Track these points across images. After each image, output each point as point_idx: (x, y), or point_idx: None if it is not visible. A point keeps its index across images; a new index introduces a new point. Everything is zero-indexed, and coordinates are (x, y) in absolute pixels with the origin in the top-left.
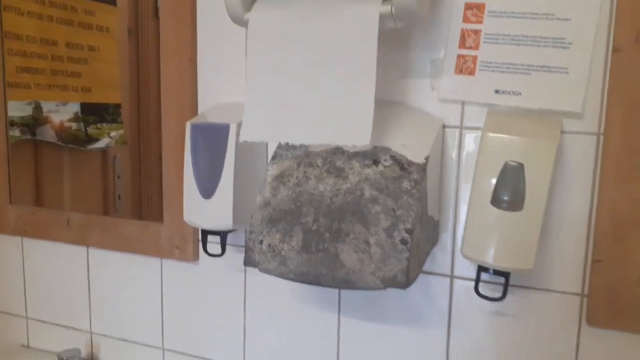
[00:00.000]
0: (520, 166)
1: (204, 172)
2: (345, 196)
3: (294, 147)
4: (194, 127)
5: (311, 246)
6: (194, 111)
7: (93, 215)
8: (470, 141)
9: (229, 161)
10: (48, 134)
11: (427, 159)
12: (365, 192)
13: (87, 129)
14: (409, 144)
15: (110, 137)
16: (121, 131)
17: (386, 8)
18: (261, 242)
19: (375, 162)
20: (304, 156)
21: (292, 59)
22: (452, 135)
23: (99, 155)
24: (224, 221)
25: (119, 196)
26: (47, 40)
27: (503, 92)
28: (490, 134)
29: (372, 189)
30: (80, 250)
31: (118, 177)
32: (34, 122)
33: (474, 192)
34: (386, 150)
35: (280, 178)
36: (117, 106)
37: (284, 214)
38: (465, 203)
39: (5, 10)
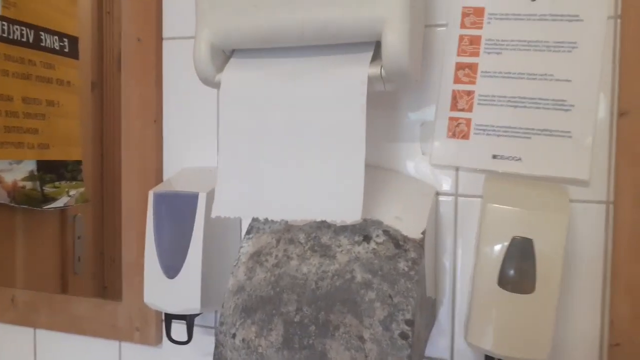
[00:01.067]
0: (529, 242)
1: (168, 248)
2: (333, 280)
3: (272, 220)
4: (158, 197)
5: (294, 342)
6: (158, 177)
7: (41, 293)
8: (467, 210)
9: (197, 235)
10: None
11: (424, 233)
12: (356, 274)
13: (44, 187)
14: (403, 217)
15: (69, 195)
16: (82, 189)
17: (375, 70)
18: (234, 335)
19: (367, 238)
20: (284, 231)
21: (271, 125)
22: (446, 204)
23: (56, 215)
24: (191, 304)
25: (79, 258)
26: (1, 95)
27: (501, 157)
28: (493, 205)
29: (364, 271)
30: (27, 332)
31: (78, 238)
32: None
33: (478, 272)
34: (378, 224)
35: (256, 257)
36: (78, 163)
37: (261, 301)
38: (463, 276)
39: None
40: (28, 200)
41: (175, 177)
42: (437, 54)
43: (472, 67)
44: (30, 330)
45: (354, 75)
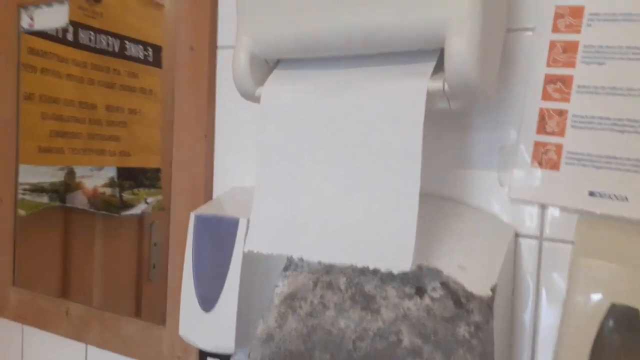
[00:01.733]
0: (634, 313)
1: (205, 277)
2: (374, 341)
3: None
4: (199, 220)
5: None
6: (207, 196)
7: (93, 309)
8: (554, 257)
9: (235, 265)
10: (79, 200)
11: (493, 290)
12: (403, 337)
13: (123, 194)
14: (469, 266)
15: (146, 203)
16: (159, 197)
17: (436, 84)
18: None
19: (420, 292)
20: (323, 272)
21: (313, 148)
22: (528, 248)
23: (134, 222)
24: (225, 342)
25: (154, 265)
26: (86, 103)
27: (601, 195)
28: (586, 260)
29: (413, 334)
30: (79, 347)
31: (154, 245)
32: (65, 188)
33: (563, 347)
34: (436, 273)
35: (290, 301)
36: (157, 171)
37: (290, 357)
38: (545, 342)
39: (43, 74)
40: (107, 207)
41: (223, 198)
42: (522, 63)
43: (566, 81)
44: (82, 345)
45: (410, 89)
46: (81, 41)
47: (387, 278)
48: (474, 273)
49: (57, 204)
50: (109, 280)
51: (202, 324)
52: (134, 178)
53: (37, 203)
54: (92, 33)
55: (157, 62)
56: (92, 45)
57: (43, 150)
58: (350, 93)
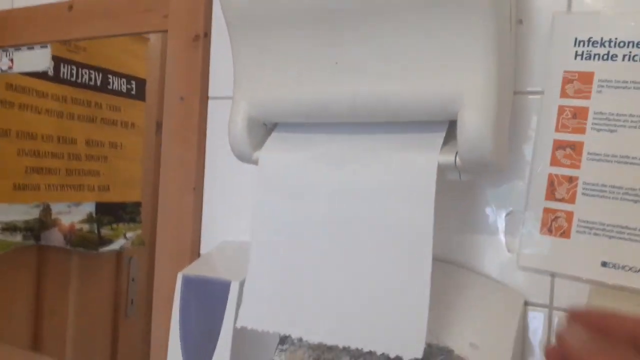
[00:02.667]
0: None
1: (194, 343)
2: None
3: None
4: (187, 280)
5: None
6: (194, 251)
7: None
8: None
9: (226, 332)
10: (55, 237)
11: None
12: None
13: (101, 230)
14: (481, 344)
15: (126, 238)
16: (139, 231)
17: (447, 158)
18: None
19: None
20: (324, 349)
21: (314, 220)
22: (537, 318)
23: (112, 257)
24: None
25: (132, 300)
26: (65, 138)
27: (614, 265)
28: None
29: None
30: None
31: (132, 280)
32: (40, 225)
33: None
34: (446, 353)
35: None
36: (137, 204)
37: None
38: None
39: (21, 109)
40: (84, 243)
41: (212, 255)
42: (529, 127)
43: (576, 147)
44: None
45: (419, 164)
46: (62, 76)
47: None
48: (486, 352)
49: (31, 242)
50: (85, 318)
51: None
52: (113, 213)
53: (9, 242)
54: (74, 67)
55: (140, 95)
56: (73, 79)
57: (18, 187)
58: (355, 164)
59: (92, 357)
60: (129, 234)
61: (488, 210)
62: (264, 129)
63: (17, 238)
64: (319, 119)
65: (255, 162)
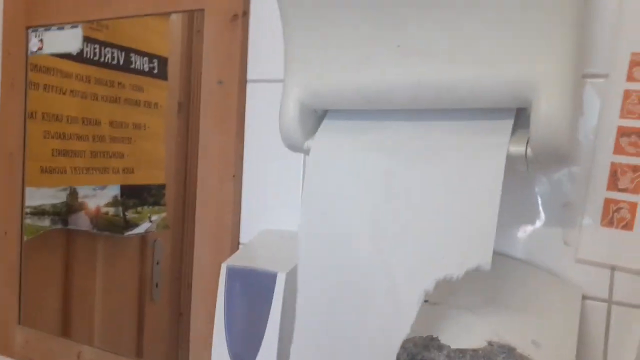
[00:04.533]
0: None
1: (239, 334)
2: None
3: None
4: (232, 271)
5: None
6: (234, 240)
7: (107, 353)
8: (623, 323)
9: (274, 323)
10: (82, 221)
11: None
12: None
13: (126, 213)
14: (543, 341)
15: (150, 221)
16: (163, 214)
17: (518, 149)
18: None
19: None
20: (421, 347)
21: (368, 210)
22: (595, 311)
23: (136, 241)
24: None
25: (157, 284)
26: (89, 119)
27: None
28: None
29: None
30: None
31: (157, 263)
32: (67, 209)
33: None
34: (508, 351)
35: None
36: (161, 187)
37: None
38: None
39: (45, 90)
40: (110, 227)
41: (254, 244)
42: (591, 113)
43: None
44: None
45: (485, 154)
46: (85, 55)
47: (455, 355)
48: (549, 351)
49: (59, 226)
50: (111, 300)
51: None
52: (137, 196)
53: (38, 227)
54: (97, 46)
55: (162, 74)
56: (97, 59)
57: (45, 170)
58: (414, 154)
59: (119, 339)
60: (154, 217)
61: (544, 201)
62: (315, 116)
63: (46, 222)
64: (378, 106)
65: (306, 151)
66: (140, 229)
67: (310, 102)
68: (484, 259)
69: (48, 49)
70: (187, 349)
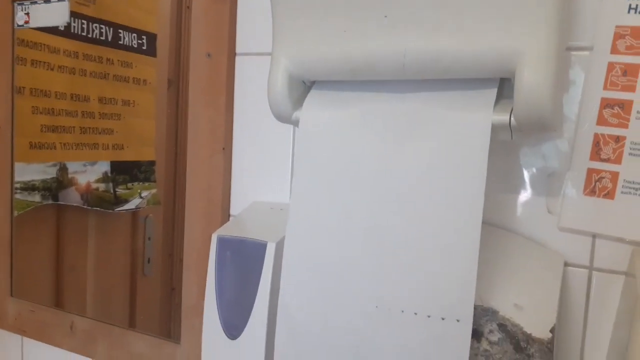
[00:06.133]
0: None
1: (230, 302)
2: None
3: None
4: (222, 241)
5: None
6: (225, 212)
7: (100, 323)
8: (603, 289)
9: (264, 292)
10: (72, 197)
11: (553, 331)
12: None
13: (117, 189)
14: (525, 304)
15: (141, 197)
16: (154, 190)
17: (501, 117)
18: None
19: (477, 335)
20: None
21: (358, 179)
22: (576, 278)
23: (127, 217)
24: None
25: (149, 259)
26: (78, 95)
27: None
28: None
29: None
30: None
31: (149, 239)
32: (58, 185)
33: None
34: (492, 314)
35: None
36: (151, 163)
37: None
38: None
39: (33, 66)
40: (101, 203)
41: (244, 215)
42: (575, 84)
43: (625, 106)
44: None
45: (471, 123)
46: (73, 30)
47: None
48: (531, 312)
49: (50, 202)
50: (103, 275)
51: (227, 352)
52: (128, 172)
53: (29, 202)
54: (84, 21)
55: (151, 51)
56: (85, 34)
57: (34, 146)
58: (401, 123)
59: (112, 313)
60: (144, 193)
61: (529, 171)
62: (303, 87)
63: (36, 198)
64: (364, 76)
65: (295, 122)
66: (130, 205)
67: (298, 73)
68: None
69: (35, 22)
70: (179, 323)
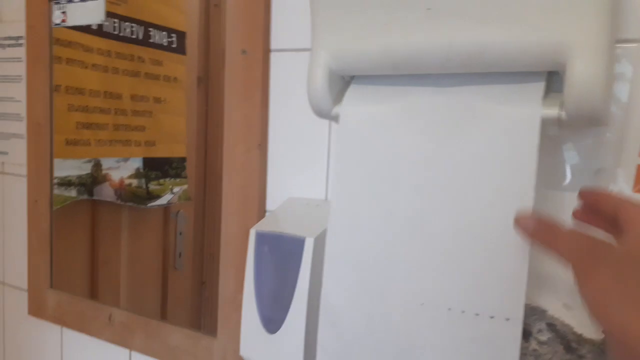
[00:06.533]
0: None
1: (268, 297)
2: None
3: None
4: (260, 237)
5: None
6: (261, 208)
7: (138, 316)
8: None
9: (302, 287)
10: (106, 192)
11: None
12: None
13: (149, 185)
14: (574, 304)
15: (172, 192)
16: (185, 186)
17: (550, 111)
18: None
19: (525, 335)
20: None
21: (401, 177)
22: None
23: (159, 212)
24: None
25: (180, 253)
26: (111, 93)
27: None
28: None
29: None
30: (122, 352)
31: (180, 234)
32: (92, 180)
33: None
34: (540, 313)
35: None
36: (182, 160)
37: None
38: None
39: (68, 64)
40: (134, 198)
41: (281, 211)
42: (624, 78)
43: None
44: (125, 351)
45: (519, 118)
46: (105, 29)
47: None
48: (581, 313)
49: (85, 197)
50: (136, 269)
51: (265, 346)
52: (159, 168)
53: (65, 197)
54: (116, 20)
55: (180, 49)
56: (116, 33)
57: (70, 142)
58: (446, 119)
59: (144, 306)
60: (176, 189)
61: (575, 167)
62: (343, 82)
63: (72, 193)
64: (406, 70)
65: (334, 118)
66: (162, 201)
67: (338, 68)
68: None
69: (71, 21)
70: (209, 316)
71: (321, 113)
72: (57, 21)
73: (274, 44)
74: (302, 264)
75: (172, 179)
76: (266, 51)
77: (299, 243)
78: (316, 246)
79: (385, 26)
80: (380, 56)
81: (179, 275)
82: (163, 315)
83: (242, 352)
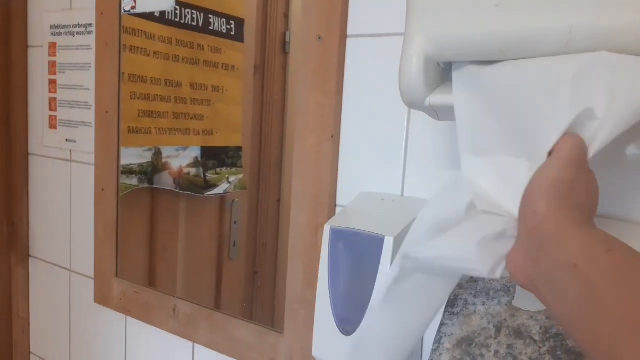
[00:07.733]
0: None
1: (344, 296)
2: None
3: (487, 294)
4: (336, 233)
5: None
6: (332, 202)
7: (202, 308)
8: None
9: (380, 289)
10: (165, 181)
11: None
12: None
13: (206, 174)
14: None
15: (229, 182)
16: (240, 176)
17: None
18: None
19: None
20: (506, 315)
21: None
22: None
23: (215, 201)
24: None
25: (234, 243)
26: (171, 81)
27: None
28: None
29: None
30: (186, 345)
31: (235, 223)
32: (153, 169)
33: None
34: None
35: (466, 346)
36: (238, 149)
37: None
38: None
39: (131, 52)
40: (191, 187)
41: (354, 207)
42: None
43: None
44: (189, 344)
45: None
46: (166, 16)
47: None
48: None
49: (145, 185)
50: (192, 257)
51: (341, 348)
52: (216, 157)
53: (127, 185)
54: (177, 7)
55: (239, 36)
56: (177, 20)
57: (132, 131)
58: None
59: (200, 293)
60: (232, 178)
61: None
62: (438, 69)
63: (134, 181)
64: (515, 55)
65: (427, 109)
66: (219, 190)
67: (437, 54)
68: None
69: (141, 7)
70: (262, 306)
71: (413, 103)
72: (127, 8)
73: (351, 29)
74: (381, 263)
75: (229, 168)
76: (343, 37)
77: (377, 241)
78: (396, 245)
79: (496, 8)
80: (489, 40)
81: (233, 265)
82: (217, 304)
83: (315, 352)
